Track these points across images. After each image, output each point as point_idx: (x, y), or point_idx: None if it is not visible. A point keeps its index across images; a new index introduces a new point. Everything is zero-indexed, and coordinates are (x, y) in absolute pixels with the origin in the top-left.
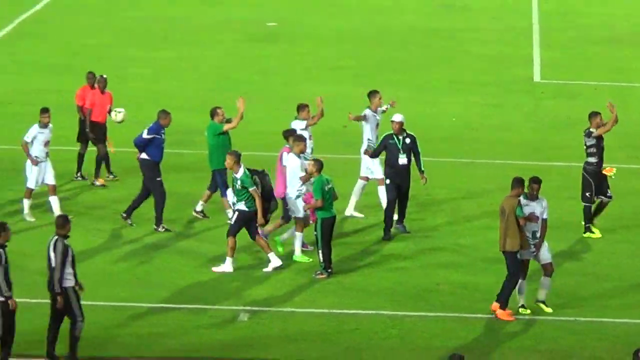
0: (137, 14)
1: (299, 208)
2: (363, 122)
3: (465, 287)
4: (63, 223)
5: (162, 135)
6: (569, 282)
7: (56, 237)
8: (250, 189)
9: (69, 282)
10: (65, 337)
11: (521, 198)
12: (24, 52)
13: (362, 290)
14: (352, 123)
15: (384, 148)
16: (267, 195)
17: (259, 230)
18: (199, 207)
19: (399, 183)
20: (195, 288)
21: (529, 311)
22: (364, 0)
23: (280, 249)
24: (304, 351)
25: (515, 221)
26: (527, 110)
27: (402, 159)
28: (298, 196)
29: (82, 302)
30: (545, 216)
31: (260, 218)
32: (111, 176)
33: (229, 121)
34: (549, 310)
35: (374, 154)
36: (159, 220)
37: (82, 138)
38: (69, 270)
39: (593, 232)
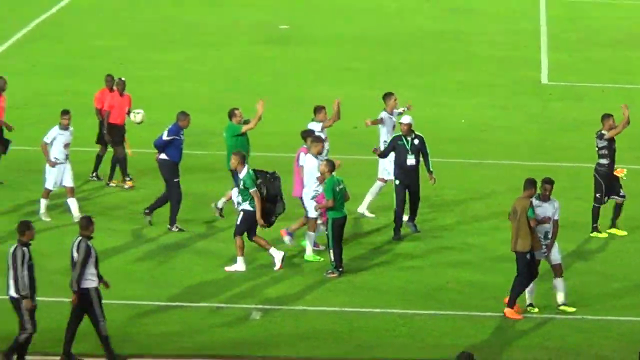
0: (152, 16)
1: (312, 208)
2: (379, 125)
3: (474, 286)
4: (87, 224)
5: (181, 136)
6: (577, 281)
7: (80, 237)
8: (251, 190)
9: (92, 283)
10: (84, 336)
11: (533, 199)
12: (40, 54)
13: (373, 289)
14: (362, 124)
15: (393, 149)
16: (273, 198)
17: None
18: (220, 204)
19: (407, 183)
20: (209, 287)
21: (537, 310)
22: (373, 4)
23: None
24: (316, 349)
25: (527, 222)
26: (534, 111)
27: (411, 160)
28: (314, 196)
29: None
30: (556, 217)
31: (259, 219)
32: (127, 179)
33: (247, 122)
34: (572, 309)
35: (382, 155)
36: (172, 220)
37: (102, 140)
38: (92, 270)
39: (600, 232)
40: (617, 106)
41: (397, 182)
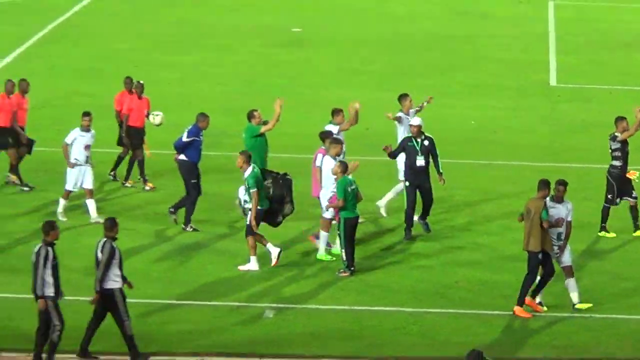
0: (167, 19)
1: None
2: (397, 125)
3: (483, 285)
4: (111, 225)
5: (201, 137)
6: (586, 280)
7: (104, 239)
8: (252, 190)
9: (116, 284)
10: (103, 335)
11: (547, 200)
12: (57, 56)
13: (384, 287)
14: (374, 126)
15: (403, 150)
16: (278, 198)
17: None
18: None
19: (417, 184)
20: (223, 286)
21: (545, 308)
22: (385, 8)
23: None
24: (328, 347)
25: (540, 223)
26: (543, 113)
27: (420, 161)
28: (331, 197)
29: None
30: (570, 219)
31: (252, 219)
32: (145, 182)
33: (265, 123)
34: (588, 305)
35: (392, 155)
36: (187, 220)
37: (123, 142)
38: (116, 272)
39: (608, 232)
40: (625, 108)
41: (407, 183)
